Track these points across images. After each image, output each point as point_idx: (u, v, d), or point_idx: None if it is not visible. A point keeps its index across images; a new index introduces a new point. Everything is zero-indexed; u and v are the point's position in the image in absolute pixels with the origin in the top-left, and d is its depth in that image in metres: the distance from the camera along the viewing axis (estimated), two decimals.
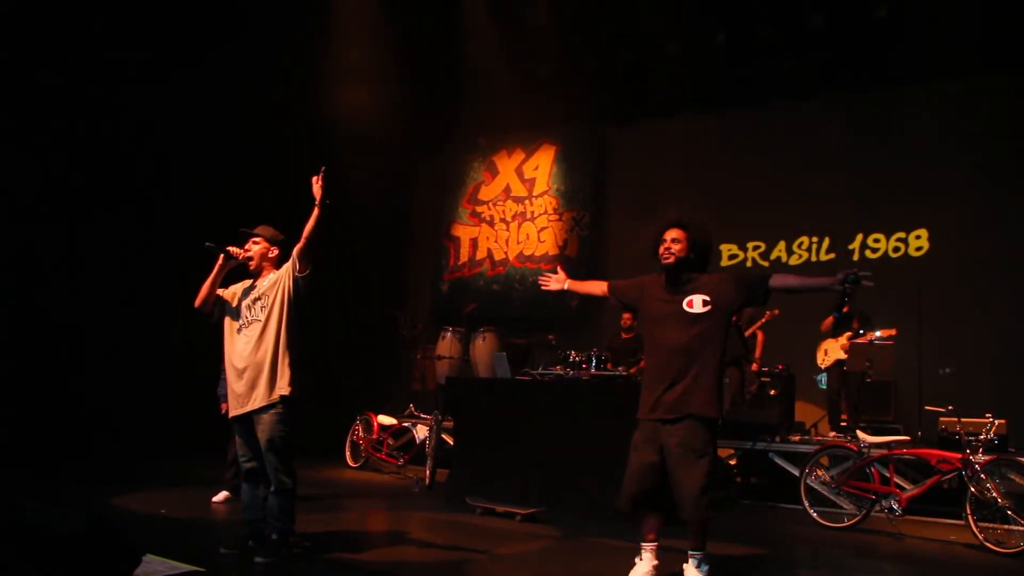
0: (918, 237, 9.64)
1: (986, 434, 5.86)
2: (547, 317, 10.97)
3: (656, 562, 4.25)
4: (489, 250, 12.67)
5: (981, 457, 5.67)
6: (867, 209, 9.88)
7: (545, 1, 10.03)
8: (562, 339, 9.14)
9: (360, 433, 9.08)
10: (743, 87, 10.41)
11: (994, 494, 5.54)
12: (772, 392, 8.88)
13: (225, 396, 6.24)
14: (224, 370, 5.28)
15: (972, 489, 5.61)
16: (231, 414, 4.68)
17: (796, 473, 6.96)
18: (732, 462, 8.07)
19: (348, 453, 9.14)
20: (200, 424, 9.34)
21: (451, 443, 8.33)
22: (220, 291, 4.79)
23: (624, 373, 7.42)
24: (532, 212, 12.40)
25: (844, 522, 6.27)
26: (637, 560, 4.26)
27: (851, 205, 9.96)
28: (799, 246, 10.37)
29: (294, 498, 4.61)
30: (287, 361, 4.59)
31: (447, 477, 7.68)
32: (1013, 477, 6.07)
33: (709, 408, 4.11)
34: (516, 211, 12.53)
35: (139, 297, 9.39)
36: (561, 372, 7.58)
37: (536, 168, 12.49)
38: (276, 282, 4.71)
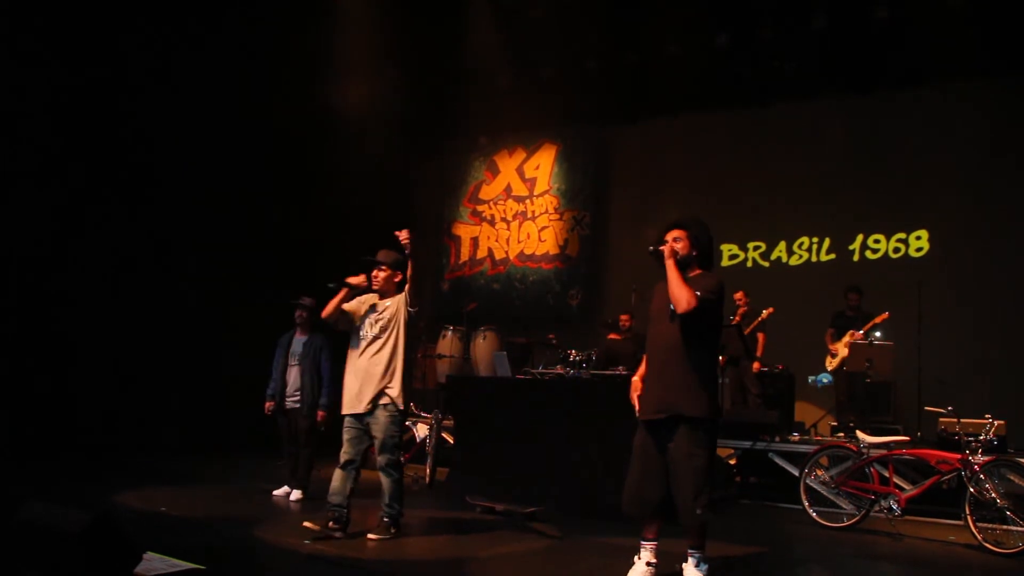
0: (918, 238, 9.65)
1: (985, 435, 5.85)
2: (548, 316, 10.99)
3: (655, 561, 4.26)
4: (490, 249, 12.68)
5: (980, 458, 5.67)
6: (867, 210, 9.89)
7: (547, 1, 10.04)
8: (562, 338, 9.15)
9: None
10: (744, 87, 10.42)
11: (993, 495, 5.54)
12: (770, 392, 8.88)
13: (272, 396, 6.85)
14: (276, 370, 6.85)
15: (971, 489, 5.61)
16: (344, 411, 5.32)
17: (795, 473, 6.96)
18: (732, 462, 8.08)
19: None
20: (201, 422, 9.41)
21: (451, 442, 8.34)
22: (346, 305, 5.41)
23: (625, 372, 7.43)
24: (533, 211, 12.41)
25: (843, 522, 6.28)
26: (636, 559, 4.27)
27: (851, 206, 9.97)
28: (799, 246, 10.38)
29: (402, 487, 5.33)
30: (400, 375, 5.26)
31: (447, 475, 7.69)
32: (1012, 478, 6.08)
33: (696, 408, 4.09)
34: (517, 210, 12.54)
35: (143, 295, 9.41)
36: (561, 371, 7.59)
37: (537, 167, 12.50)
38: (396, 306, 5.36)
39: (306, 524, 5.17)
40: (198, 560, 4.28)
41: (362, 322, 5.37)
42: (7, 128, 8.29)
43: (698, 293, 4.10)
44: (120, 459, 8.47)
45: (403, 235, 5.09)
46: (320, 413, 6.86)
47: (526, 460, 6.92)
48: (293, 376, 6.88)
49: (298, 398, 6.86)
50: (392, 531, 5.23)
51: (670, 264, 4.21)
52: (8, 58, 8.21)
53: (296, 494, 6.77)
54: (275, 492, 6.84)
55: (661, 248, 4.26)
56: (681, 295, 4.10)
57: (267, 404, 6.99)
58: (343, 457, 5.31)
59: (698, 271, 4.35)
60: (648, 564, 4.24)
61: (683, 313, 4.10)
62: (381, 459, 5.24)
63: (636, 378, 4.46)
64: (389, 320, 5.30)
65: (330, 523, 5.17)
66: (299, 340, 6.97)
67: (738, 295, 8.93)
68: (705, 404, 4.12)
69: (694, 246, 4.34)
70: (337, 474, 5.29)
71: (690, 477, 4.03)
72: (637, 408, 4.35)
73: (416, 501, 7.17)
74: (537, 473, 6.79)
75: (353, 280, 5.40)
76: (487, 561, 4.95)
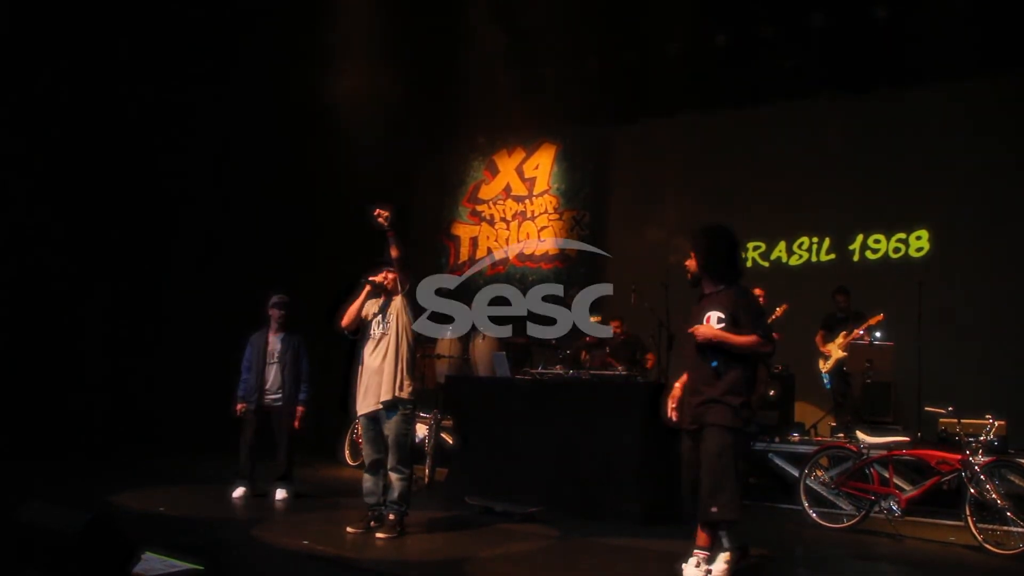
0: (919, 237, 9.63)
1: (986, 435, 5.85)
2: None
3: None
4: (489, 249, 12.66)
5: (981, 458, 5.67)
6: (867, 209, 9.87)
7: (546, 0, 10.02)
8: (561, 339, 9.11)
9: (359, 432, 9.06)
10: (743, 87, 10.40)
11: (993, 495, 5.54)
12: (771, 392, 8.86)
13: (243, 397, 6.74)
14: (251, 370, 6.78)
15: (971, 490, 5.61)
16: (358, 412, 5.45)
17: (796, 474, 6.96)
18: None
19: (347, 452, 9.13)
20: (199, 422, 9.39)
21: (450, 442, 8.32)
22: (362, 311, 5.57)
23: (624, 372, 7.44)
24: (532, 211, 12.39)
25: (843, 523, 6.28)
26: (683, 566, 4.27)
27: (851, 205, 9.95)
28: (799, 246, 10.37)
29: (410, 486, 5.46)
30: (407, 372, 5.39)
31: (446, 476, 7.69)
32: (1012, 478, 6.07)
33: (723, 418, 4.20)
34: (516, 210, 12.53)
35: (142, 295, 9.40)
36: (560, 371, 7.58)
37: (536, 167, 12.48)
38: (399, 304, 5.52)
39: (348, 529, 5.38)
40: (197, 560, 4.27)
41: (370, 323, 5.53)
42: (8, 122, 8.30)
43: (760, 332, 4.18)
44: (119, 459, 8.46)
45: (383, 213, 5.27)
46: (299, 409, 6.82)
47: (525, 460, 6.91)
48: (273, 374, 6.78)
49: (280, 396, 6.78)
50: (398, 530, 5.32)
51: (720, 335, 4.21)
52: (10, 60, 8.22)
53: (281, 493, 6.71)
54: (234, 494, 6.64)
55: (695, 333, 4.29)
56: (754, 351, 4.26)
57: (239, 406, 6.80)
58: (367, 459, 5.51)
59: (717, 287, 4.34)
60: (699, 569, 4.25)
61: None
62: (392, 458, 5.36)
63: (678, 384, 4.48)
64: (393, 319, 5.46)
65: (371, 523, 5.40)
66: (276, 338, 6.87)
67: (757, 292, 8.86)
68: (732, 414, 4.26)
69: (698, 260, 4.31)
70: (366, 476, 5.51)
71: (713, 480, 4.13)
72: (674, 415, 4.38)
73: (415, 501, 7.09)
74: (536, 473, 6.77)
75: (376, 278, 5.51)
76: (486, 562, 4.94)
